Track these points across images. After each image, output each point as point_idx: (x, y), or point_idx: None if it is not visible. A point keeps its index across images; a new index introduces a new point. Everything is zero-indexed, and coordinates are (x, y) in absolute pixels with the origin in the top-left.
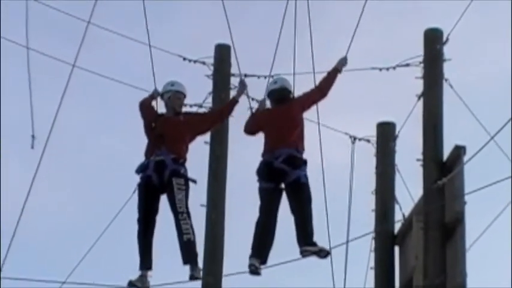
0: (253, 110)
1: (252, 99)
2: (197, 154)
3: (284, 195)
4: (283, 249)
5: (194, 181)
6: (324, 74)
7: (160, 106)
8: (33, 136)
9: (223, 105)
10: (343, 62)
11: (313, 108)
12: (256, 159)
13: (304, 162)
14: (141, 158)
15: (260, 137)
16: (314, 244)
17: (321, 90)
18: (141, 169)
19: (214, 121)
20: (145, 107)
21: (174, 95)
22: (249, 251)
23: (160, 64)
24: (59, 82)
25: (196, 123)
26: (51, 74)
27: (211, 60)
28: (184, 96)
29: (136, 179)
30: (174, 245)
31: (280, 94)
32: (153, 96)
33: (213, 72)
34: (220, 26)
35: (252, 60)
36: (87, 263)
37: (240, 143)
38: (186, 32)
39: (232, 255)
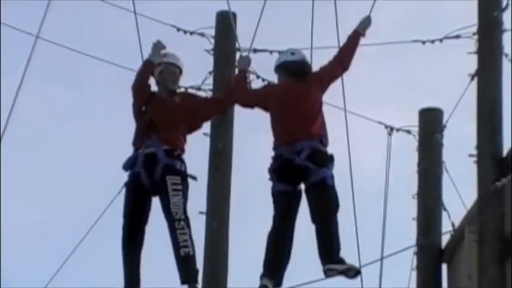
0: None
1: (263, 80)
2: (194, 148)
3: (303, 199)
4: (301, 266)
5: (194, 178)
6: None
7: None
8: None
9: (226, 89)
10: (366, 22)
11: (338, 90)
12: (267, 156)
13: (331, 159)
14: (125, 151)
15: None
16: (341, 261)
17: (340, 62)
18: (129, 165)
19: (215, 109)
20: (142, 84)
21: (167, 69)
22: (259, 268)
23: (148, 37)
24: (22, 58)
25: (195, 109)
26: (14, 47)
27: (212, 32)
28: (180, 71)
29: (122, 176)
30: (168, 259)
31: (300, 68)
32: (149, 65)
33: (214, 46)
34: None
35: (261, 31)
36: (66, 272)
37: (248, 134)
38: None
39: (238, 272)
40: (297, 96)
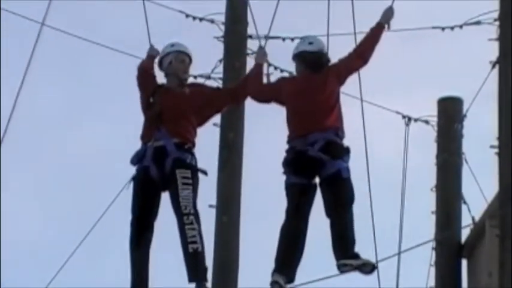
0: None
1: (275, 68)
2: (204, 140)
3: (318, 194)
4: (315, 262)
5: (204, 172)
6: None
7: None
8: None
9: (241, 80)
10: (389, 13)
11: (354, 79)
12: (281, 146)
13: (347, 151)
14: (133, 146)
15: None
16: (356, 256)
17: (360, 55)
18: (137, 158)
19: (228, 100)
20: (146, 73)
21: (176, 58)
22: (270, 264)
23: (156, 24)
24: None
25: (208, 99)
26: (19, 36)
27: (222, 18)
28: (190, 59)
29: (129, 171)
30: (177, 255)
31: (317, 60)
32: (152, 55)
33: (224, 33)
34: None
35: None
36: (70, 269)
37: (260, 125)
38: None
39: (249, 267)
40: (313, 89)
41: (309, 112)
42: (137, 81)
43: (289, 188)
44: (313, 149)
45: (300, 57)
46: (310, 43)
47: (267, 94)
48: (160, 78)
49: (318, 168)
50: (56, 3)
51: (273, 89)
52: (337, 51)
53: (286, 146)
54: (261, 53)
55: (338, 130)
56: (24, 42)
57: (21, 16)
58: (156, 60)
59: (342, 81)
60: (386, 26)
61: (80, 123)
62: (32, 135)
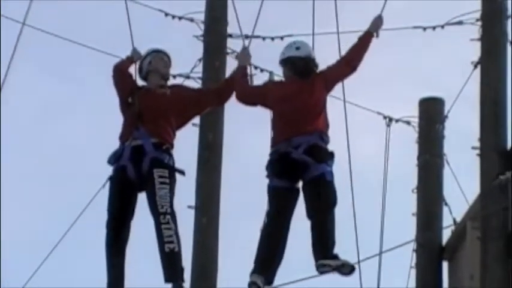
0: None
1: (255, 67)
2: (183, 140)
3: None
4: (294, 264)
5: (182, 172)
6: (354, 39)
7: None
8: None
9: (224, 80)
10: (378, 22)
11: None
12: (261, 147)
13: (331, 155)
14: (112, 146)
15: (268, 118)
16: (335, 257)
17: (349, 63)
18: (114, 158)
19: (212, 102)
20: (121, 72)
21: (155, 57)
22: (249, 266)
23: (135, 23)
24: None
25: (190, 100)
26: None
27: (202, 17)
28: (169, 59)
29: (107, 171)
30: (153, 256)
31: (305, 66)
32: (132, 58)
33: (204, 32)
34: None
35: (253, 16)
36: (47, 269)
37: (240, 125)
38: None
39: (228, 269)
40: (300, 95)
41: (294, 117)
42: (113, 80)
43: (272, 191)
44: (297, 151)
45: (287, 63)
46: (297, 48)
47: (253, 97)
48: (141, 82)
49: (302, 171)
50: (37, 3)
51: (260, 93)
52: (320, 50)
53: (267, 147)
54: (245, 54)
55: (323, 134)
56: (4, 41)
57: (3, 16)
58: (137, 66)
59: (329, 89)
60: (375, 34)
61: (59, 122)
62: (10, 134)
